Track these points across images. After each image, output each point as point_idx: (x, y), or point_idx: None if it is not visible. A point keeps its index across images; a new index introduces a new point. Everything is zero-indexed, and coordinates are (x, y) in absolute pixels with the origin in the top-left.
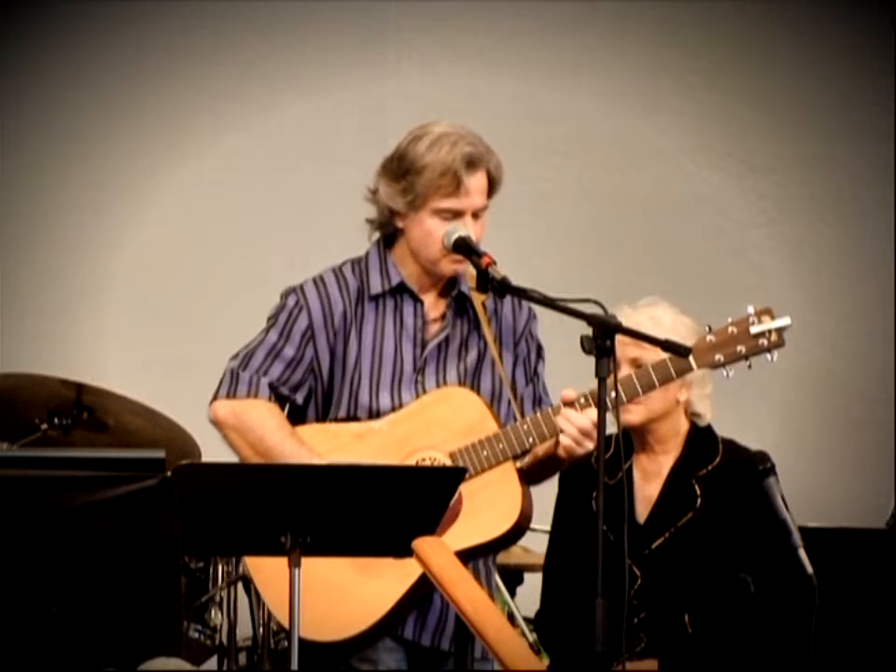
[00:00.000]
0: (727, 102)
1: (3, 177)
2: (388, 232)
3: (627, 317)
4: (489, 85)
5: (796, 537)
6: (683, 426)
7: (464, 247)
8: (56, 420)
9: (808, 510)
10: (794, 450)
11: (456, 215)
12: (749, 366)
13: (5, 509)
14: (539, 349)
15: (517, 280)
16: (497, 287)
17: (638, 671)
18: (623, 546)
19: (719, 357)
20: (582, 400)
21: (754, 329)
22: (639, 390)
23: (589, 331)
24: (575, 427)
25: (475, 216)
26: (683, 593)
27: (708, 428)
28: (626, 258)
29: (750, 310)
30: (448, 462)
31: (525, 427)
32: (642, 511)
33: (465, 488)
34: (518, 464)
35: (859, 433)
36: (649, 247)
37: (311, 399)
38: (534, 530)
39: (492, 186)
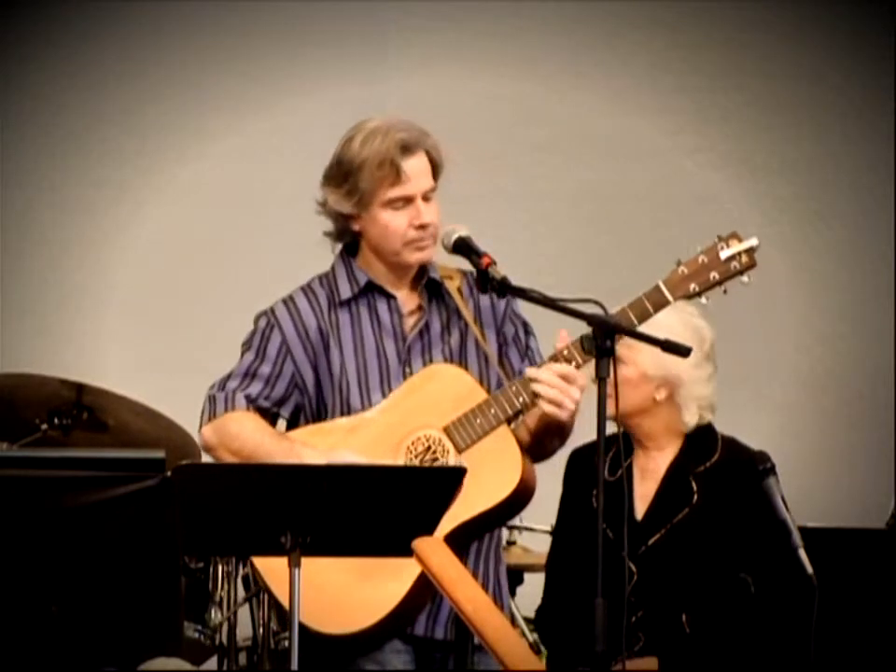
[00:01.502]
0: (727, 102)
1: (3, 177)
2: (348, 241)
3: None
4: (489, 85)
5: (796, 537)
6: (677, 424)
7: (464, 248)
8: (56, 420)
9: (808, 510)
10: (794, 450)
11: (407, 201)
12: (725, 291)
13: (5, 509)
14: (526, 325)
15: (517, 280)
16: (496, 286)
17: (639, 670)
18: (620, 544)
19: (693, 286)
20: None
21: (724, 254)
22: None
23: (589, 331)
24: (545, 385)
25: (426, 199)
26: (680, 591)
27: (708, 426)
28: (626, 257)
29: (717, 237)
30: (443, 437)
31: (514, 388)
32: (640, 508)
33: (464, 459)
34: (513, 426)
35: (859, 433)
36: (649, 247)
37: (300, 414)
38: (534, 530)
39: (434, 167)
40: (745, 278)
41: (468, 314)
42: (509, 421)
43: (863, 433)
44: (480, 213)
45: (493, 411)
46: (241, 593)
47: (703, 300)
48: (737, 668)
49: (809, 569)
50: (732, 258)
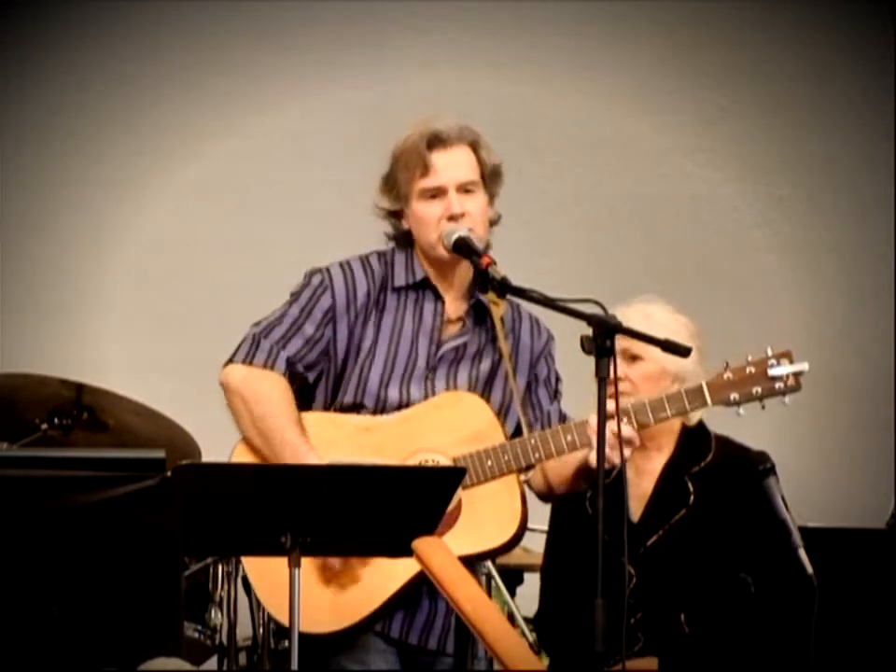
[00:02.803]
0: (727, 102)
1: (3, 177)
2: (403, 243)
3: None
4: (489, 85)
5: (796, 537)
6: (676, 423)
7: (463, 247)
8: (56, 420)
9: (808, 510)
10: (794, 450)
11: (440, 193)
12: (763, 407)
13: (5, 509)
14: (557, 373)
15: (517, 280)
16: (496, 286)
17: (639, 670)
18: (618, 546)
19: (734, 395)
20: (625, 420)
21: (773, 372)
22: (651, 420)
23: (589, 331)
24: (613, 436)
25: (465, 191)
26: (679, 591)
27: (701, 426)
28: (626, 258)
29: (769, 351)
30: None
31: (533, 441)
32: (636, 509)
33: (465, 496)
34: (523, 477)
35: (859, 433)
36: (649, 247)
37: (321, 381)
38: (534, 530)
39: (482, 165)
40: (786, 399)
41: (505, 346)
42: (519, 471)
43: (863, 433)
44: None
45: (506, 458)
46: (241, 592)
47: (737, 411)
48: (738, 668)
49: (809, 569)
50: (779, 377)
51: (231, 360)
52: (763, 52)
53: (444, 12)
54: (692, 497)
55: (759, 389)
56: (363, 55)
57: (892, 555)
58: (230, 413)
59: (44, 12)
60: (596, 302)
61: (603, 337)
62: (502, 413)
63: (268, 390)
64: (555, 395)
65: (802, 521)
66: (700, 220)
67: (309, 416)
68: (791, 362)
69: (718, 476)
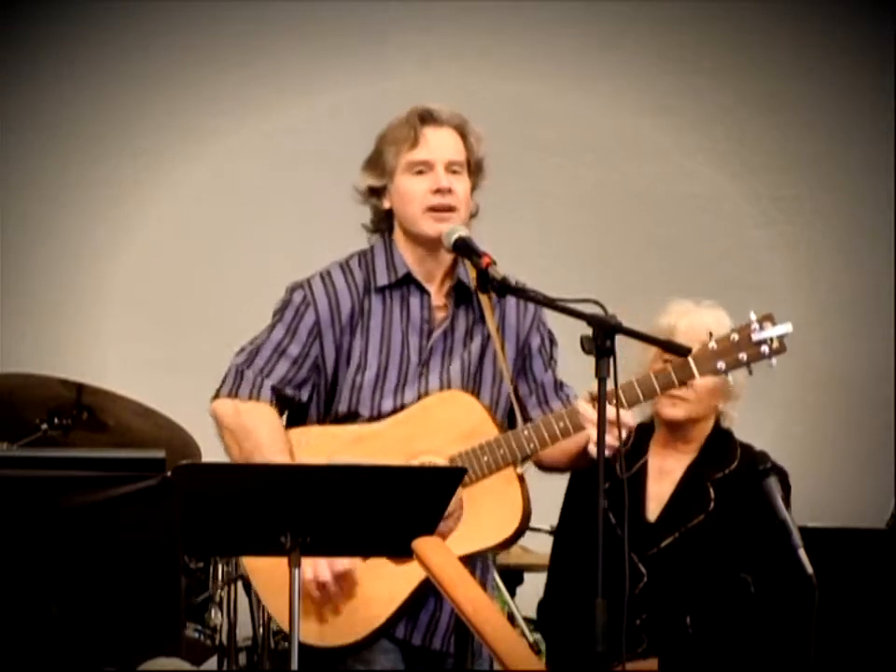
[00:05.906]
0: (727, 102)
1: (3, 177)
2: (384, 229)
3: (691, 312)
4: (489, 85)
5: (796, 537)
6: (708, 426)
7: (463, 248)
8: (56, 420)
9: (808, 510)
10: (794, 450)
11: (428, 168)
12: (750, 372)
13: (5, 509)
14: (551, 334)
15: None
16: (496, 286)
17: (639, 671)
18: (630, 544)
19: (720, 364)
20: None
21: (756, 336)
22: (640, 397)
23: (589, 331)
24: (592, 425)
25: (452, 171)
26: (686, 595)
27: (728, 433)
28: (626, 258)
29: (753, 317)
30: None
31: (526, 433)
32: (653, 510)
33: (466, 494)
34: (520, 469)
35: (859, 433)
36: (649, 247)
37: (313, 395)
38: (534, 530)
39: (469, 151)
40: (773, 362)
41: (492, 323)
42: (515, 463)
43: (863, 433)
44: (480, 213)
45: (501, 451)
46: (241, 592)
47: (728, 377)
48: (738, 668)
49: (809, 569)
50: (763, 341)
51: (217, 395)
52: (763, 52)
53: (444, 12)
54: (712, 504)
55: (744, 355)
56: (363, 54)
57: (892, 555)
58: (221, 445)
59: (44, 12)
60: (596, 302)
61: (603, 337)
62: (495, 391)
63: (256, 424)
64: (551, 360)
65: (802, 521)
66: (700, 220)
67: (304, 431)
68: (774, 324)
69: (737, 485)
